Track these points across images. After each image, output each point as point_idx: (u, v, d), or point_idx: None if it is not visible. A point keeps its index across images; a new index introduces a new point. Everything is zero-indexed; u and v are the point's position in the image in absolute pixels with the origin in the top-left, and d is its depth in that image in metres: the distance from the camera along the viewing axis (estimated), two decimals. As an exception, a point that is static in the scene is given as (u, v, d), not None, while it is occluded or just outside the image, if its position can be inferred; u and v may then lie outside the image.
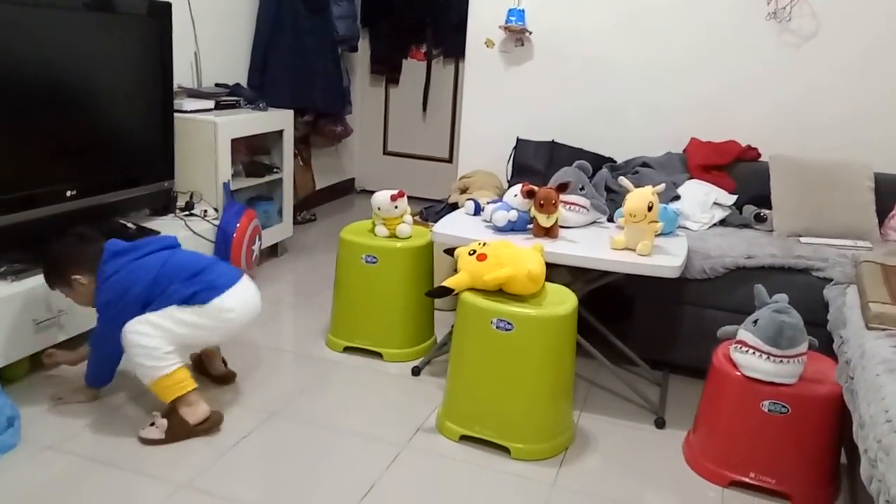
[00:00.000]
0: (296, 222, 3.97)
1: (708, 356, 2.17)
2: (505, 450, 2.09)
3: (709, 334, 2.36)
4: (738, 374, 1.98)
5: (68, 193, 2.49)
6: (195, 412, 2.08)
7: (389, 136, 5.13)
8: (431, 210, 3.23)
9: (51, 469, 1.90)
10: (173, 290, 2.05)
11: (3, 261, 2.28)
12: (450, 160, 4.93)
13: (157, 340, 2.01)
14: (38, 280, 2.26)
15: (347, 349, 2.72)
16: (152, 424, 2.08)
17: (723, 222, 2.82)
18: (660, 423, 2.30)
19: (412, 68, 4.93)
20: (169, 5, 2.85)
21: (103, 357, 2.18)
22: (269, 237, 3.54)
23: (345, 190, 5.15)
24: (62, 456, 1.96)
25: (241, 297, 2.13)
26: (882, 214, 2.75)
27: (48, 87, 2.39)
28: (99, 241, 2.15)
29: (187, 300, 2.05)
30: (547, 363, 2.06)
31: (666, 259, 2.22)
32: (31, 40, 2.30)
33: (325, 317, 2.95)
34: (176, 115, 3.01)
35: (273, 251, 3.73)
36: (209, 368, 2.42)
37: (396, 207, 2.60)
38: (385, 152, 5.15)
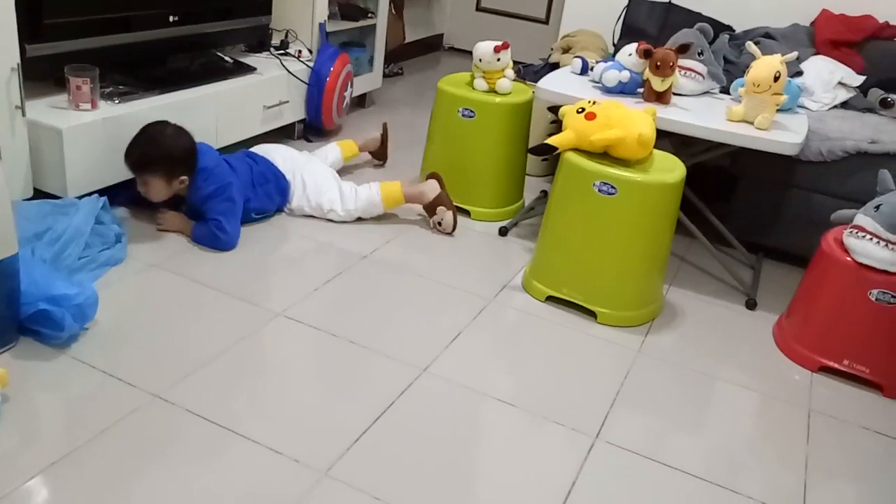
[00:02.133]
0: (384, 75, 3.88)
1: (809, 244, 2.08)
2: (591, 314, 2.09)
3: (815, 221, 2.27)
4: (849, 259, 1.89)
5: (171, 19, 2.46)
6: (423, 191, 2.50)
7: (484, -10, 4.87)
8: (529, 69, 3.09)
9: (155, 285, 2.00)
10: (271, 189, 2.40)
11: (108, 82, 2.31)
12: (546, 21, 4.67)
13: (338, 192, 2.47)
14: (143, 103, 2.29)
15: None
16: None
17: (845, 105, 2.62)
18: (751, 304, 2.26)
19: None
20: None
21: (212, 240, 2.23)
22: (359, 86, 3.48)
23: (433, 46, 4.98)
24: (167, 274, 2.05)
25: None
26: None
27: None
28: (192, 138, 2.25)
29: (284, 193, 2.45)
30: (646, 231, 2.01)
31: (785, 135, 2.08)
32: None
33: (410, 172, 2.94)
34: (275, -53, 2.90)
35: (361, 102, 3.68)
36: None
37: (499, 60, 2.47)
38: (478, 8, 4.91)
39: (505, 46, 2.44)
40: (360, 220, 2.50)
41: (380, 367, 1.78)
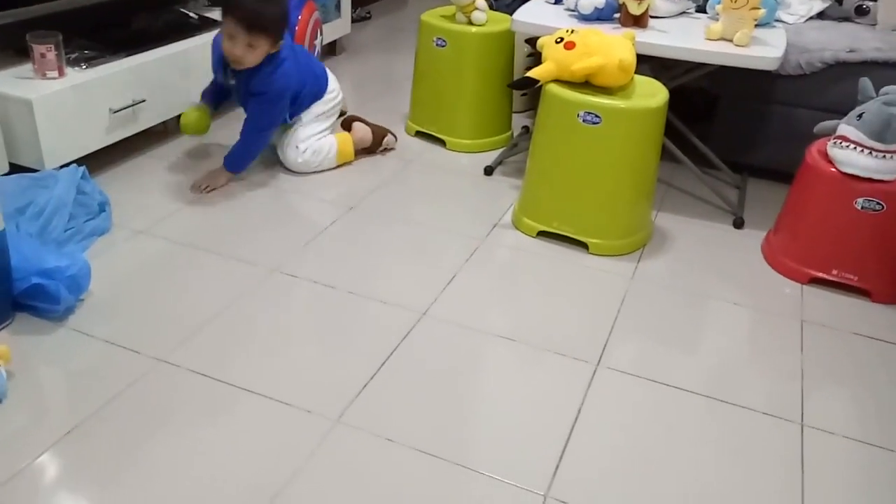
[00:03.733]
0: (352, 20, 3.79)
1: (793, 159, 2.09)
2: (583, 246, 2.11)
3: (797, 135, 2.27)
4: (834, 170, 1.91)
5: (130, -23, 2.38)
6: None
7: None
8: (501, 3, 3.03)
9: (144, 251, 1.98)
10: (307, 92, 2.36)
11: (73, 48, 2.24)
12: (512, -47, 4.55)
13: (321, 144, 2.42)
14: (111, 67, 2.23)
15: (418, 133, 2.78)
16: None
17: (821, 15, 2.60)
18: (738, 223, 2.28)
19: None
20: None
21: (255, 148, 2.31)
22: (328, 34, 3.39)
23: (398, -13, 4.85)
24: (155, 240, 2.03)
25: (330, 77, 2.49)
26: None
27: None
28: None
29: (317, 96, 2.40)
30: (633, 159, 2.02)
31: (765, 50, 2.07)
32: None
33: (389, 117, 2.90)
34: None
35: (331, 49, 3.60)
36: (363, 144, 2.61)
37: None
38: (442, -56, 4.77)
39: None
40: (336, 169, 2.49)
41: (379, 314, 1.79)
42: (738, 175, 2.53)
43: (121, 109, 2.26)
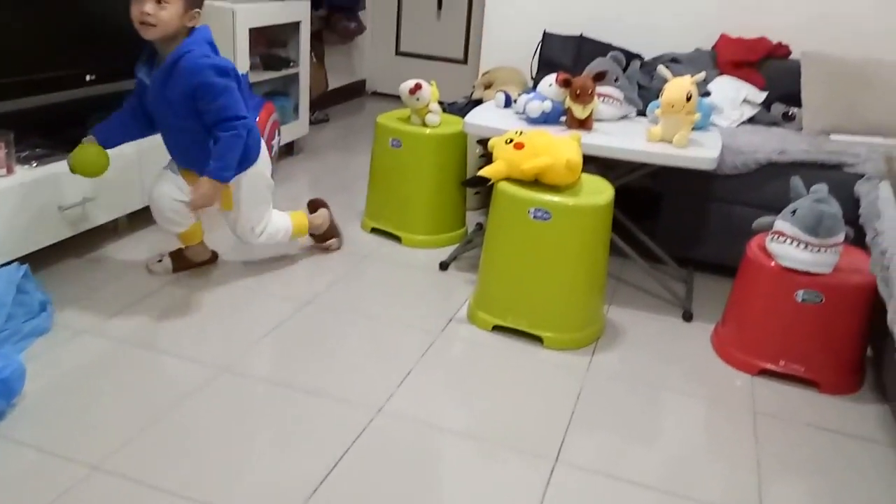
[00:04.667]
0: (309, 122, 3.89)
1: (734, 253, 2.18)
2: (538, 339, 2.12)
3: (737, 231, 2.37)
4: (773, 264, 1.99)
5: (88, 78, 2.41)
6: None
7: (402, 35, 4.97)
8: (454, 107, 3.16)
9: (86, 352, 1.91)
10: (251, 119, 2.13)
11: (25, 145, 2.23)
12: (464, 61, 4.79)
13: (276, 227, 2.37)
14: (62, 165, 2.22)
15: (374, 230, 2.82)
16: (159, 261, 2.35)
17: (752, 120, 2.78)
18: (687, 316, 2.33)
19: (426, -36, 4.73)
20: None
21: (235, 143, 2.03)
22: (286, 135, 3.47)
23: (356, 91, 5.02)
24: (98, 339, 1.97)
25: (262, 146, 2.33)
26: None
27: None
28: None
29: (257, 144, 2.24)
30: (583, 253, 2.07)
31: (703, 151, 2.19)
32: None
33: (344, 212, 2.94)
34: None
35: (289, 150, 3.67)
36: (195, 257, 2.40)
37: (418, 100, 2.59)
38: (398, 52, 5.00)
39: (418, 87, 2.57)
40: (292, 265, 2.48)
41: (333, 412, 1.75)
42: (684, 269, 2.61)
43: (70, 207, 2.24)
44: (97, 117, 2.55)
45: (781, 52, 2.97)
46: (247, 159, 2.14)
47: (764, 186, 2.42)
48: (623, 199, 2.56)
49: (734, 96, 2.75)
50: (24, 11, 2.17)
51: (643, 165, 2.27)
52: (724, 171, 2.43)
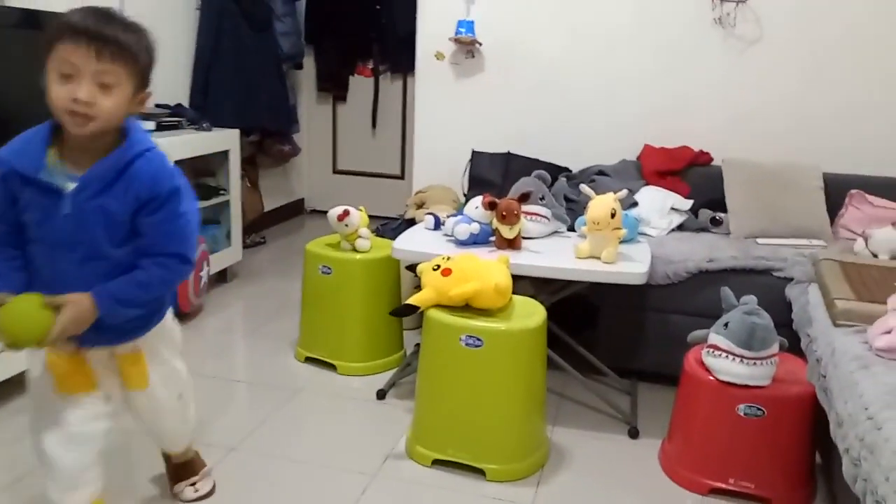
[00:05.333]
0: (245, 246, 3.83)
1: (675, 362, 2.14)
2: (480, 472, 2.01)
3: (674, 340, 2.34)
4: (712, 378, 1.95)
5: None
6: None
7: (339, 154, 5.03)
8: (388, 227, 3.15)
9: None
10: None
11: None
12: (402, 176, 4.85)
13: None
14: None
15: (308, 359, 2.71)
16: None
17: (680, 227, 2.82)
18: (633, 433, 2.26)
19: (359, 85, 4.86)
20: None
21: (167, 284, 1.55)
22: (218, 262, 3.39)
23: (295, 210, 5.01)
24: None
25: None
26: (832, 213, 2.79)
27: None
28: None
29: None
30: (519, 378, 2.00)
31: (631, 266, 2.19)
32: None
33: (278, 343, 2.84)
34: (115, 137, 2.86)
35: (222, 277, 3.58)
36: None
37: (346, 226, 2.58)
38: (335, 171, 5.05)
39: (346, 214, 2.56)
40: (217, 398, 2.35)
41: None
42: (626, 380, 2.56)
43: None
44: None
45: (704, 158, 3.07)
46: (159, 313, 1.62)
47: (697, 294, 2.43)
48: (559, 311, 2.54)
49: (661, 205, 2.80)
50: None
51: (574, 282, 2.25)
52: (657, 282, 2.43)
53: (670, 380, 2.26)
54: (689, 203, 2.88)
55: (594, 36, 3.16)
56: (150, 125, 3.08)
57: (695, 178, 2.99)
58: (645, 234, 2.66)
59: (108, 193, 1.40)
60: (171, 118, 3.23)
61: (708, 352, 1.98)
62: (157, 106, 3.38)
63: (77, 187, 1.39)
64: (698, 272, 2.43)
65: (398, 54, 4.58)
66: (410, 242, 2.37)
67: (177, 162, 3.33)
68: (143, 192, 1.41)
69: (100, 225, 1.42)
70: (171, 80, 3.63)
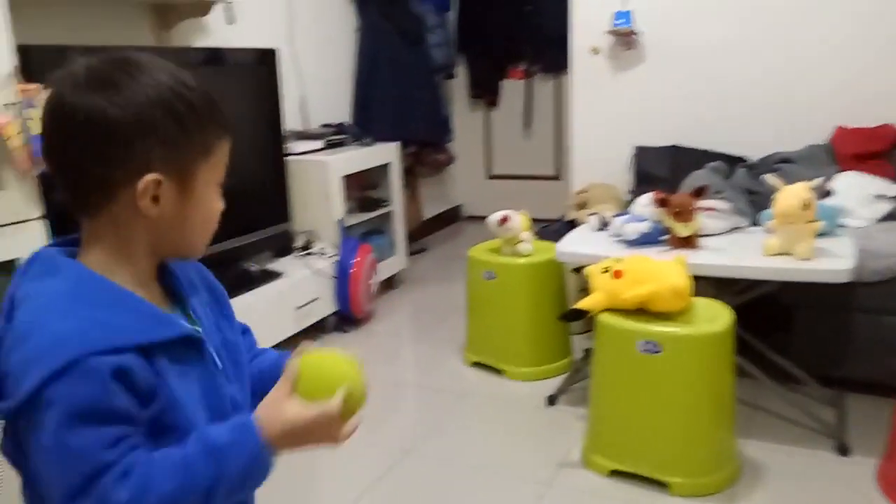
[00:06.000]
0: (408, 254, 3.91)
1: (890, 369, 1.87)
2: (662, 485, 1.87)
3: (889, 344, 2.07)
4: (941, 388, 1.68)
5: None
6: None
7: (493, 159, 5.02)
8: (548, 229, 3.05)
9: None
10: None
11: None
12: (557, 177, 4.75)
13: None
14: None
15: (476, 364, 2.69)
16: None
17: (890, 217, 2.47)
18: (842, 450, 2.01)
19: (510, 88, 4.82)
20: (274, 52, 2.88)
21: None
22: (385, 270, 3.49)
23: (452, 217, 5.06)
24: None
25: None
26: None
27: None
28: None
29: None
30: (703, 387, 1.84)
31: (833, 262, 1.94)
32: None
33: (446, 347, 2.84)
34: (288, 158, 3.03)
35: (389, 284, 3.67)
36: None
37: (507, 230, 2.54)
38: (490, 176, 5.04)
39: (506, 220, 2.52)
40: (389, 403, 2.37)
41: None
42: (829, 390, 2.29)
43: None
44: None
45: (909, 137, 2.70)
46: None
47: (913, 291, 2.12)
48: (744, 313, 2.32)
49: (863, 193, 2.48)
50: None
51: (764, 282, 2.04)
52: (865, 279, 2.14)
53: (884, 390, 1.99)
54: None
55: (769, 10, 2.88)
56: (319, 144, 3.23)
57: (900, 159, 2.64)
58: (845, 227, 2.36)
59: (223, 316, 0.98)
60: (336, 136, 3.37)
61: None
62: (323, 126, 3.54)
63: (203, 327, 0.90)
64: (914, 266, 2.12)
65: (550, 54, 4.48)
66: (575, 244, 2.27)
67: (344, 178, 3.41)
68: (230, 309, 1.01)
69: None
70: (335, 100, 3.80)
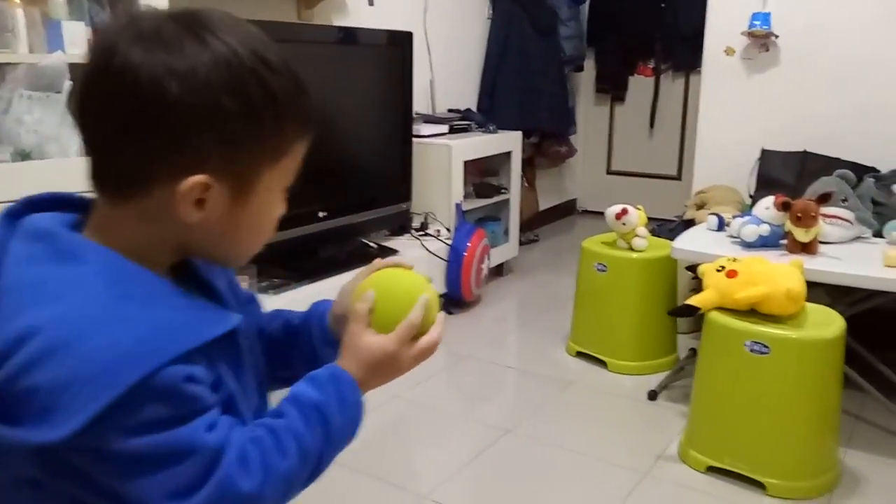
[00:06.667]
0: (520, 243, 4.01)
1: None
2: (759, 485, 1.90)
3: None
4: None
5: (320, 214, 2.69)
6: None
7: (614, 154, 5.03)
8: (664, 227, 3.08)
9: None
10: None
11: (264, 276, 2.54)
12: (678, 177, 4.69)
13: None
14: (296, 293, 2.47)
15: (579, 354, 2.76)
16: None
17: None
18: (952, 471, 1.96)
19: (638, 84, 4.80)
20: (409, 35, 3.02)
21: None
22: (496, 257, 3.60)
23: (567, 210, 5.11)
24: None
25: None
26: None
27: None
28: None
29: None
30: (809, 391, 1.85)
31: (959, 278, 1.90)
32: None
33: (550, 336, 2.93)
34: (413, 139, 3.18)
35: (498, 271, 3.79)
36: None
37: (624, 224, 2.57)
38: (609, 171, 5.05)
39: (624, 213, 2.55)
40: (495, 385, 2.50)
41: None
42: (947, 412, 2.22)
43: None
44: (327, 248, 2.83)
45: None
46: None
47: None
48: (858, 324, 2.28)
49: None
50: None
51: (882, 293, 2.01)
52: None
53: None
54: None
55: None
56: (444, 128, 3.38)
57: None
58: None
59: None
60: (461, 121, 3.51)
61: None
62: (449, 111, 3.70)
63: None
64: None
65: (682, 52, 4.44)
66: (692, 242, 2.30)
67: (465, 163, 3.52)
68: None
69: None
70: (462, 86, 3.94)
